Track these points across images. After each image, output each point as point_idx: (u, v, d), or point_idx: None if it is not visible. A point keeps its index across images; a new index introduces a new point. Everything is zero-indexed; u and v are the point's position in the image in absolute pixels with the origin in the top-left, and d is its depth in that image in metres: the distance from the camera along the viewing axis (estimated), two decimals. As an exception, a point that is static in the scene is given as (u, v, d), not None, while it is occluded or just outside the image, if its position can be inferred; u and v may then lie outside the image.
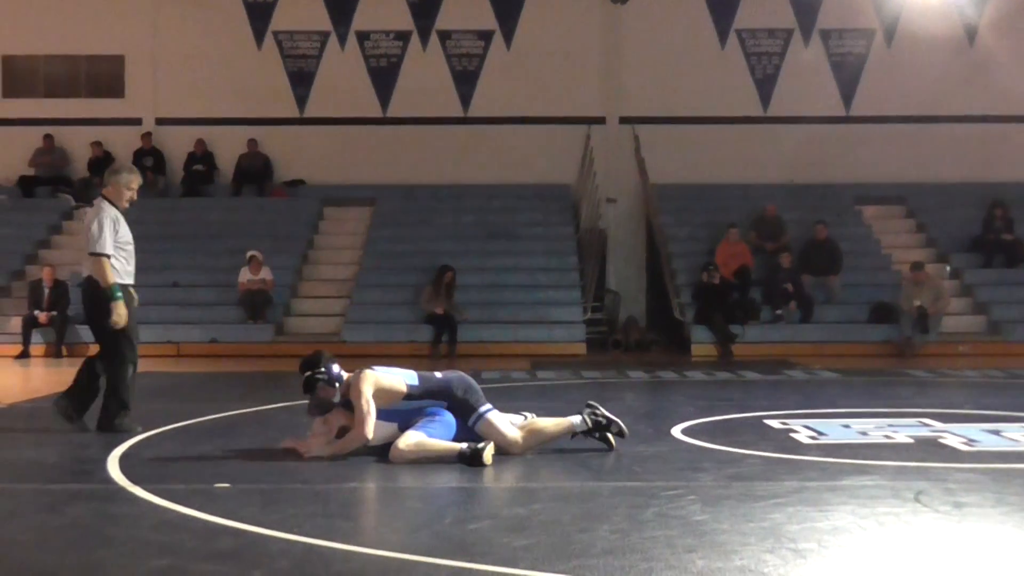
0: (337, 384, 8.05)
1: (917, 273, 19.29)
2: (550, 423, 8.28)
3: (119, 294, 9.24)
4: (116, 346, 9.37)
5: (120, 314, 9.19)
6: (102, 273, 9.20)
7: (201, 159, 23.61)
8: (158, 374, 15.29)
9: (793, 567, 5.12)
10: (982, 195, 22.24)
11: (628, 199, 23.58)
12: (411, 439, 7.78)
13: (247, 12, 23.86)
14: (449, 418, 8.00)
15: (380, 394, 7.92)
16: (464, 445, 7.74)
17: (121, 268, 9.37)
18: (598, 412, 8.27)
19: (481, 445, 7.69)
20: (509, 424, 8.16)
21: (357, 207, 23.43)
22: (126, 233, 9.47)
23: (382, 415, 7.95)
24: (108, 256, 9.25)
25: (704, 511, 6.20)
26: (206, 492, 6.81)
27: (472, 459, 7.59)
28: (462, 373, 8.40)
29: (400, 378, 8.05)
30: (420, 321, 19.57)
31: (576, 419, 8.24)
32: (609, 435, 8.21)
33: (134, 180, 9.60)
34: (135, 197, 9.62)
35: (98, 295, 9.26)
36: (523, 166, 23.55)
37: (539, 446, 8.15)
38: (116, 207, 9.47)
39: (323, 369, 8.02)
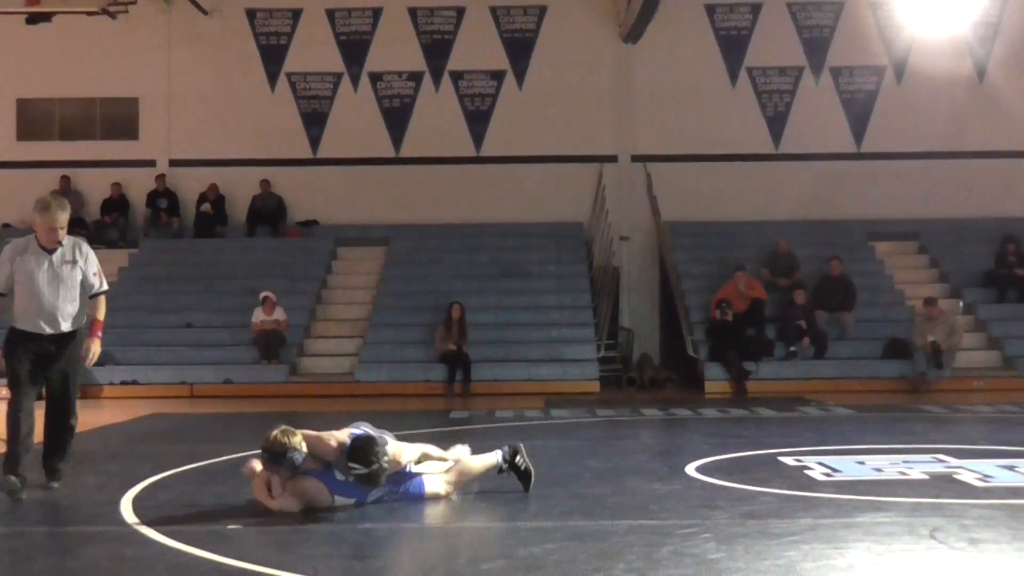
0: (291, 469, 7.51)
1: (930, 308, 19.25)
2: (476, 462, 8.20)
3: None
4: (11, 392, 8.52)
5: None
6: None
7: (213, 203, 23.65)
8: (172, 415, 15.33)
9: (808, 605, 5.11)
10: (994, 230, 22.23)
11: (641, 237, 23.61)
12: (444, 478, 7.90)
13: (261, 54, 24.04)
14: None
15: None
16: (500, 455, 8.05)
17: (19, 311, 8.43)
18: (517, 459, 8.16)
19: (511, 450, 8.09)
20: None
21: (370, 247, 23.49)
22: (27, 273, 8.38)
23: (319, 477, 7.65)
24: None
25: (719, 549, 6.18)
26: (220, 534, 6.81)
27: (513, 464, 7.97)
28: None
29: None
30: (433, 360, 19.56)
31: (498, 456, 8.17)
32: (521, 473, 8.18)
33: (38, 219, 8.43)
34: (56, 237, 8.37)
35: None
36: (536, 205, 23.59)
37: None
38: (41, 244, 8.43)
39: (291, 456, 7.43)
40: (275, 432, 7.46)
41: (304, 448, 7.45)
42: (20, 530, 7.17)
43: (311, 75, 24.07)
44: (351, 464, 7.38)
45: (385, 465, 7.42)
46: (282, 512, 7.38)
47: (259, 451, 7.58)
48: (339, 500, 7.54)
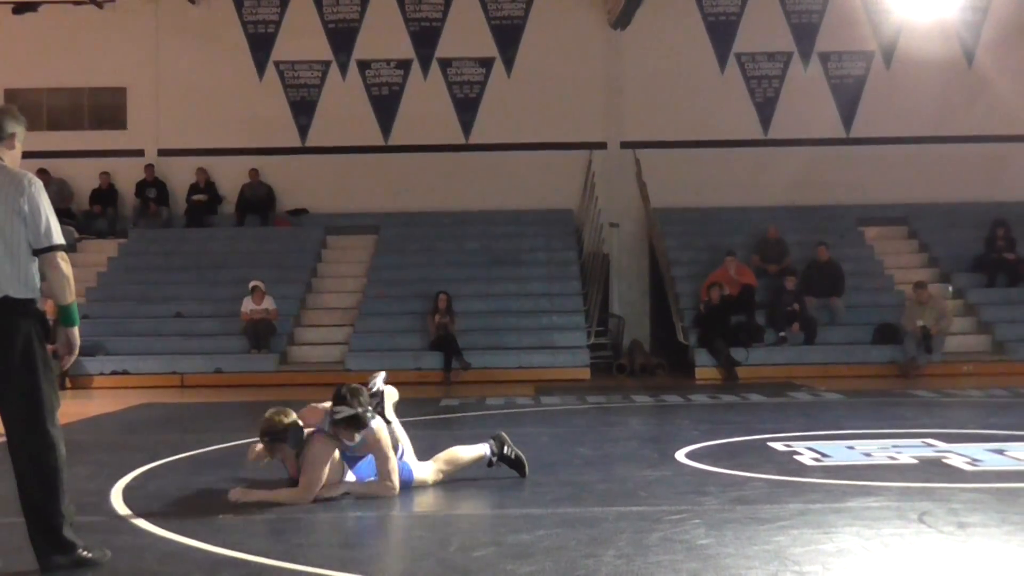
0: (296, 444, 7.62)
1: (920, 293, 19.28)
2: (464, 453, 8.21)
3: None
4: None
5: None
6: None
7: (203, 189, 23.64)
8: (163, 405, 15.32)
9: (797, 590, 5.12)
10: (984, 215, 22.23)
11: (631, 223, 23.60)
12: (432, 465, 7.96)
13: (248, 43, 23.95)
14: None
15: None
16: (488, 447, 8.11)
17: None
18: (505, 450, 8.21)
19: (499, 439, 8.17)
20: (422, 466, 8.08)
21: (360, 235, 23.46)
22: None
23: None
24: None
25: (709, 535, 6.20)
26: (210, 523, 6.81)
27: (503, 456, 8.06)
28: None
29: None
30: (424, 348, 19.56)
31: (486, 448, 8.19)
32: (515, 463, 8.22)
33: (23, 133, 6.38)
34: None
35: None
36: (525, 192, 23.57)
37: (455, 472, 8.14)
38: None
39: (293, 432, 7.60)
40: (270, 413, 7.64)
41: (300, 423, 7.62)
42: (10, 521, 7.16)
43: (299, 63, 23.99)
44: (335, 409, 7.33)
45: (369, 411, 7.38)
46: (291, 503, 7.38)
47: (260, 436, 7.70)
48: (347, 477, 7.64)
